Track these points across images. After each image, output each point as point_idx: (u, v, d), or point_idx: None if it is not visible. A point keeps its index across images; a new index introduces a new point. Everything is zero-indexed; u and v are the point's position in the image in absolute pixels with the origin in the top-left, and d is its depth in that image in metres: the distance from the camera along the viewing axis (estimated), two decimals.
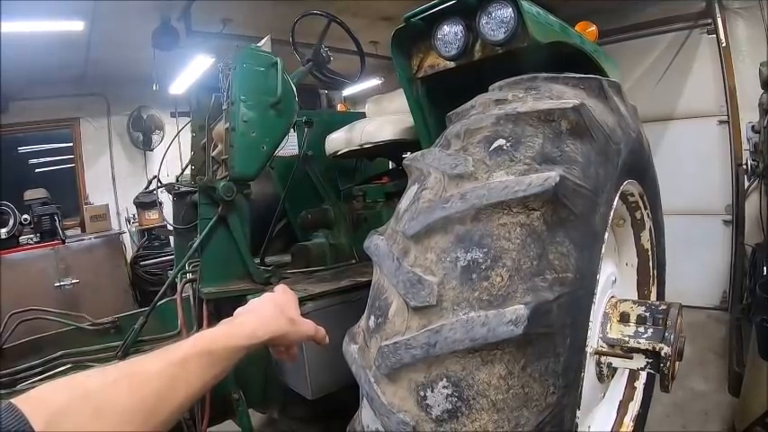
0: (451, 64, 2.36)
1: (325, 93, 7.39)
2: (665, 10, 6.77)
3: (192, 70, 7.76)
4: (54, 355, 2.92)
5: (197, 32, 6.81)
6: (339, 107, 6.66)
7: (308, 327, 1.37)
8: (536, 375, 1.36)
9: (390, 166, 4.35)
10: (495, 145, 1.64)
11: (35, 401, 0.72)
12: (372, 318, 1.61)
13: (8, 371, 2.80)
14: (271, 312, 1.27)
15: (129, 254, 8.68)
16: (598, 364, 2.19)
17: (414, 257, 1.54)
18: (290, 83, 3.07)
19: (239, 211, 2.98)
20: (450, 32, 2.26)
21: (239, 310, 1.29)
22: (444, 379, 1.36)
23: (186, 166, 3.84)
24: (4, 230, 6.82)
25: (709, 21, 6.45)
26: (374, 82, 9.42)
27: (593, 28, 2.81)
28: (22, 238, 7.10)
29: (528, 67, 2.09)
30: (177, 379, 0.92)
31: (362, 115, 4.26)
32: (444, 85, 2.52)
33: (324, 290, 2.78)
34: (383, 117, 3.52)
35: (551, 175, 1.47)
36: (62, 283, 6.86)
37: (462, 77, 2.39)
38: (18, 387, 2.61)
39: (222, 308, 2.92)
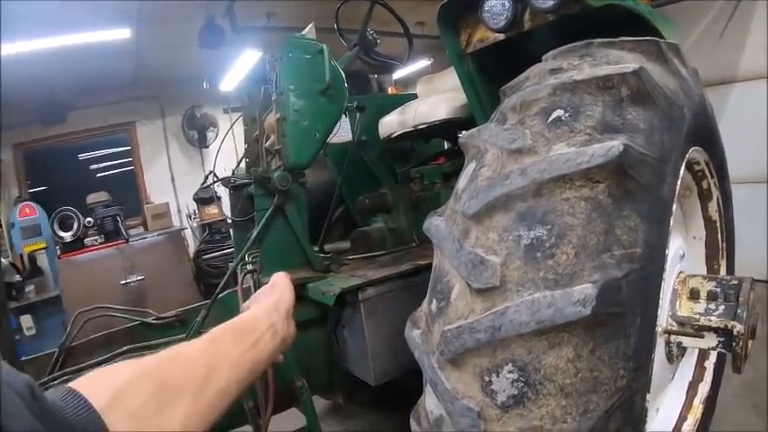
0: (501, 36, 2.29)
1: (375, 77, 7.35)
2: None
3: (241, 66, 7.82)
4: (120, 350, 2.99)
5: (242, 28, 6.84)
6: (390, 90, 6.60)
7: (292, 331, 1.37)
8: (605, 358, 1.30)
9: (446, 146, 4.27)
10: (553, 116, 1.57)
11: (96, 382, 0.75)
12: (434, 302, 1.57)
13: (75, 367, 2.89)
14: (288, 285, 1.41)
15: (192, 249, 8.85)
16: (667, 343, 2.09)
17: (475, 238, 1.49)
18: (338, 68, 3.04)
19: (296, 199, 2.98)
20: (498, 3, 2.19)
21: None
22: (510, 363, 1.32)
23: (241, 160, 3.85)
24: (68, 234, 7.05)
25: None
26: (424, 63, 9.35)
27: None
28: (87, 240, 7.30)
29: (580, 34, 1.99)
30: (216, 356, 0.97)
31: (414, 97, 4.18)
32: (495, 59, 2.45)
33: (384, 275, 2.74)
34: (435, 96, 3.45)
35: (614, 145, 1.39)
36: (128, 281, 7.00)
37: (514, 49, 2.32)
38: None
39: None
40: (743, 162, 5.49)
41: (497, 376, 1.33)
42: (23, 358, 5.11)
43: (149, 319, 3.28)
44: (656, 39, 1.99)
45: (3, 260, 2.47)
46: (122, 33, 6.60)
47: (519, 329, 1.30)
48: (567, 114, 1.56)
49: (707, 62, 5.88)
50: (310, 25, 3.24)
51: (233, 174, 3.95)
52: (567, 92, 1.61)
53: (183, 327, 3.15)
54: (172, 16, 6.55)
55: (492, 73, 2.50)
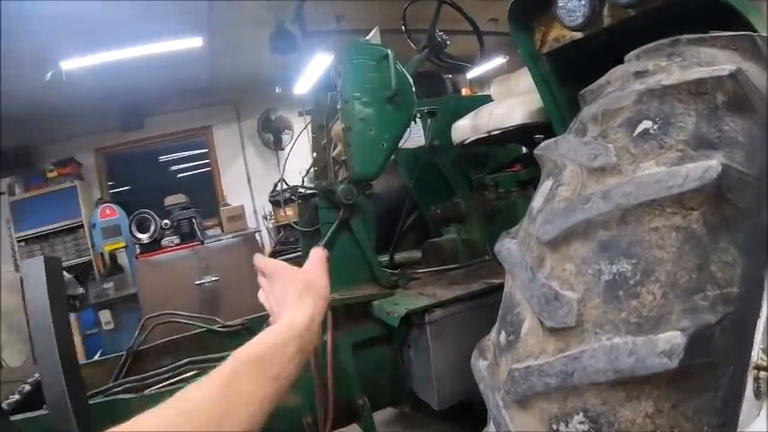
0: (578, 34, 2.10)
1: (450, 77, 7.19)
2: None
3: (313, 69, 7.81)
4: (180, 362, 3.03)
5: (312, 32, 6.77)
6: (464, 91, 6.43)
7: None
8: (689, 414, 1.13)
9: (523, 151, 4.06)
10: (639, 128, 1.38)
11: None
12: (503, 333, 1.42)
13: (137, 377, 2.94)
14: (324, 281, 1.21)
15: (268, 250, 8.88)
16: (756, 379, 1.85)
17: (550, 267, 1.33)
18: (405, 74, 2.91)
19: (362, 213, 2.88)
20: None
21: (293, 280, 1.19)
22: (581, 413, 1.17)
23: (310, 168, 3.77)
24: (145, 236, 7.17)
25: None
26: (499, 61, 9.09)
27: None
28: (164, 241, 7.42)
29: (664, 29, 1.77)
30: (230, 400, 0.86)
31: (488, 98, 4.01)
32: (573, 59, 2.25)
33: (454, 295, 2.59)
34: (511, 99, 3.25)
35: (712, 165, 1.20)
36: (202, 281, 7.06)
37: (593, 48, 2.12)
38: (146, 392, 2.68)
39: (349, 312, 2.83)
40: None
41: (566, 425, 1.19)
42: (93, 359, 5.30)
43: (215, 327, 3.37)
44: (751, 33, 1.75)
45: (66, 274, 2.50)
46: (194, 42, 6.72)
47: (594, 377, 1.15)
48: (655, 126, 1.37)
49: None
50: (375, 29, 3.12)
51: (302, 182, 3.87)
52: (654, 99, 1.42)
53: (250, 334, 3.03)
54: (241, 23, 6.64)
55: (570, 74, 2.32)
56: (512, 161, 3.72)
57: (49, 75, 6.37)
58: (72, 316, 7.30)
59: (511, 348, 1.36)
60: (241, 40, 7.18)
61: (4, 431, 1.94)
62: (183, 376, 2.92)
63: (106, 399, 2.64)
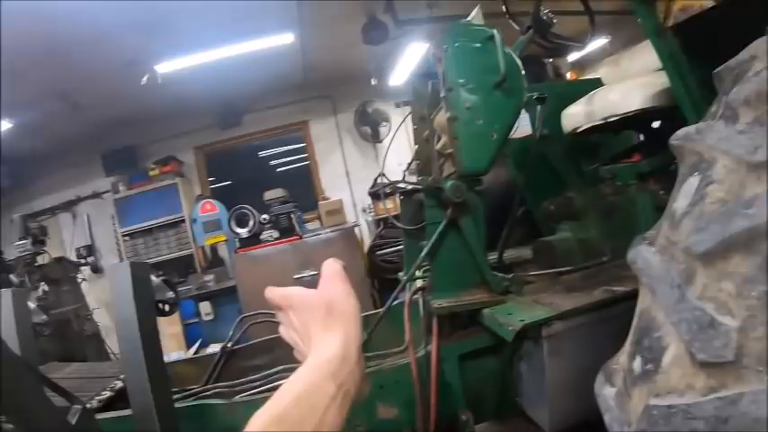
0: (709, 2, 1.83)
1: (550, 62, 6.86)
2: None
3: (408, 59, 7.70)
4: (274, 369, 2.97)
5: (404, 21, 6.66)
6: (569, 75, 6.11)
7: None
8: None
9: (640, 139, 3.73)
10: None
11: None
12: (639, 359, 1.22)
13: (227, 383, 2.94)
14: (352, 303, 1.00)
15: (367, 243, 8.86)
16: None
17: (702, 286, 1.10)
18: (514, 56, 2.63)
19: (472, 211, 2.63)
20: None
21: (312, 305, 1.02)
22: None
23: (412, 162, 3.60)
24: (244, 231, 7.34)
25: None
26: (600, 42, 8.62)
27: None
28: (263, 236, 7.54)
29: None
30: None
31: (598, 82, 3.69)
32: (704, 32, 1.98)
33: (575, 306, 2.32)
34: (626, 82, 2.94)
35: None
36: (301, 275, 7.10)
37: (722, 20, 1.85)
38: (236, 399, 2.65)
39: (456, 319, 2.65)
40: None
41: None
42: (188, 357, 5.44)
43: None
44: None
45: (155, 278, 2.55)
46: (286, 38, 6.82)
47: (754, 427, 0.94)
48: None
49: None
50: (476, 9, 2.89)
51: (403, 176, 3.71)
52: None
53: None
54: (332, 17, 6.64)
55: (701, 50, 2.03)
56: (628, 150, 3.41)
57: (145, 78, 6.65)
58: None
59: (648, 379, 1.16)
60: (333, 33, 7.19)
61: (90, 429, 1.88)
62: (276, 384, 2.78)
63: (193, 403, 2.63)
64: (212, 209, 8.45)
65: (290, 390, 0.84)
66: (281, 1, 5.87)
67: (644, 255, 1.32)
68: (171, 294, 2.94)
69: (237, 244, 7.63)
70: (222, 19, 5.80)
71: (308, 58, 7.95)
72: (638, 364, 1.21)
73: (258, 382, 2.91)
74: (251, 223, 7.35)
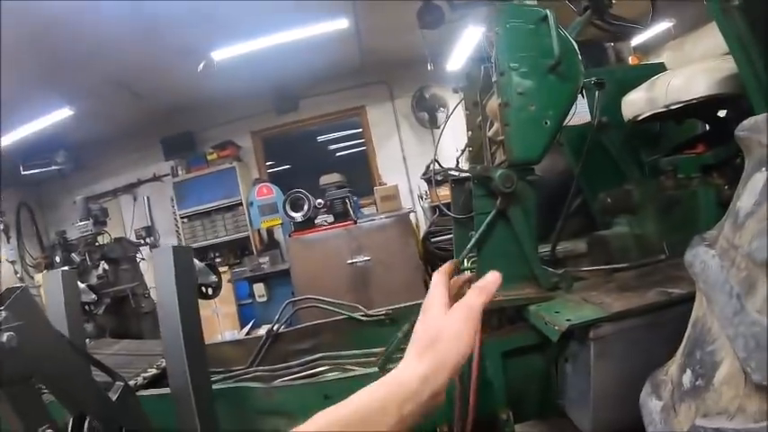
0: None
1: (612, 45, 6.64)
2: None
3: (465, 44, 7.62)
4: (314, 357, 3.02)
5: (459, 5, 6.51)
6: (631, 60, 5.89)
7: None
8: None
9: (704, 128, 3.53)
10: None
11: None
12: (689, 373, 1.12)
13: (267, 367, 3.02)
14: (461, 345, 0.91)
15: (423, 229, 8.78)
16: None
17: (763, 298, 0.97)
18: (569, 38, 2.51)
19: (522, 202, 2.52)
20: None
21: (421, 328, 0.96)
22: None
23: (465, 149, 3.51)
24: (299, 215, 7.35)
25: None
26: (663, 25, 8.30)
27: None
28: (318, 220, 7.62)
29: None
30: None
31: (662, 67, 3.48)
32: None
33: (626, 308, 2.17)
34: (690, 67, 2.75)
35: None
36: (354, 261, 7.18)
37: None
38: (275, 383, 2.66)
39: (502, 314, 2.59)
40: None
41: None
42: (235, 339, 5.59)
43: (358, 315, 3.31)
44: None
45: (198, 263, 2.62)
46: (341, 24, 6.85)
47: None
48: None
49: None
50: None
51: (457, 163, 3.61)
52: None
53: (393, 325, 3.09)
54: (387, 1, 6.62)
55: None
56: (692, 140, 3.22)
57: (201, 65, 6.78)
58: (229, 286, 8.19)
59: (697, 395, 1.07)
60: (388, 17, 7.16)
61: (131, 406, 2.00)
62: (315, 371, 2.89)
63: (232, 385, 2.69)
64: (268, 193, 8.61)
65: (356, 400, 0.84)
66: None
67: (702, 257, 1.20)
68: (214, 278, 3.00)
69: (292, 228, 7.67)
70: (277, 5, 5.84)
71: (364, 44, 7.98)
72: (687, 378, 1.13)
73: (296, 368, 2.95)
74: (305, 207, 7.36)
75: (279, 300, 7.08)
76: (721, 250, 1.16)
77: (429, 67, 7.76)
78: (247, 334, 7.20)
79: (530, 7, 2.53)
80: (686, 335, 1.20)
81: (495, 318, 2.62)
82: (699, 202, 2.73)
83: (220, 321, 8.33)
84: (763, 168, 1.14)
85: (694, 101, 2.53)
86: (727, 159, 2.62)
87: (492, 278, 1.03)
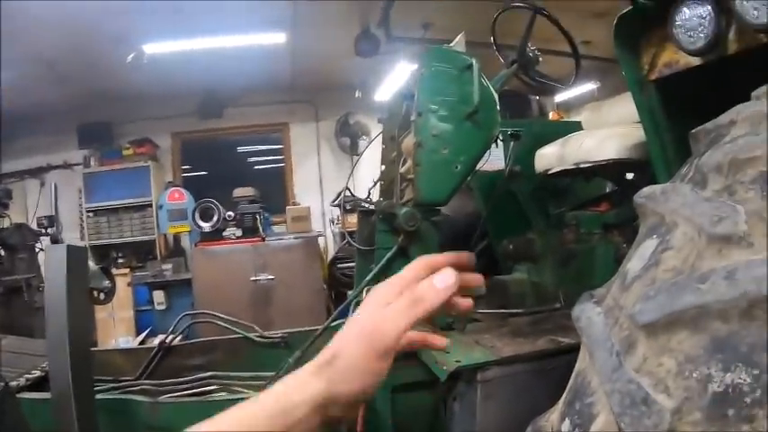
0: (696, 60, 1.77)
1: (537, 99, 6.90)
2: None
3: (395, 77, 7.78)
4: (203, 375, 2.96)
5: (397, 38, 6.74)
6: (552, 115, 6.15)
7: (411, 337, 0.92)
8: None
9: (609, 189, 3.70)
10: None
11: None
12: (567, 422, 1.14)
13: (154, 381, 2.91)
14: (356, 373, 0.82)
15: (332, 253, 8.90)
16: None
17: (642, 358, 1.01)
18: (491, 89, 2.58)
19: (424, 241, 2.54)
20: (694, 16, 1.68)
21: (335, 337, 0.87)
22: None
23: (377, 182, 3.53)
24: (208, 225, 7.25)
25: None
26: (588, 86, 8.74)
27: None
28: (226, 233, 7.49)
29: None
30: None
31: (578, 125, 3.72)
32: (685, 89, 1.93)
33: (515, 353, 2.24)
34: (605, 130, 2.92)
35: None
36: (258, 278, 7.13)
37: (704, 77, 1.82)
38: (160, 399, 2.61)
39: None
40: None
41: None
42: (127, 347, 5.42)
43: (253, 336, 3.26)
44: None
45: (92, 265, 2.55)
46: (278, 38, 6.87)
47: None
48: None
49: None
50: (460, 36, 2.83)
51: (368, 194, 3.64)
52: None
53: (288, 349, 3.05)
54: (327, 23, 6.73)
55: (682, 107, 1.99)
56: (596, 199, 3.38)
57: (131, 56, 6.64)
58: (129, 290, 8.04)
59: None
60: (325, 40, 7.23)
61: (10, 408, 1.94)
62: (203, 389, 2.86)
63: (117, 396, 2.60)
64: (180, 198, 8.46)
65: (239, 414, 0.80)
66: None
67: (588, 313, 1.25)
68: (107, 283, 2.90)
69: (199, 237, 7.57)
70: (217, 7, 5.79)
71: (298, 61, 7.99)
72: (566, 426, 1.13)
73: (185, 385, 2.88)
74: (215, 218, 7.28)
75: (178, 309, 6.93)
76: (607, 308, 1.20)
77: (357, 95, 7.87)
78: (142, 342, 7.11)
79: (458, 54, 2.59)
80: (569, 385, 1.23)
81: None
82: (597, 258, 2.87)
83: (116, 326, 8.07)
84: (655, 236, 1.19)
85: (603, 162, 2.68)
86: (627, 220, 2.75)
87: (445, 277, 0.92)
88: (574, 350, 1.29)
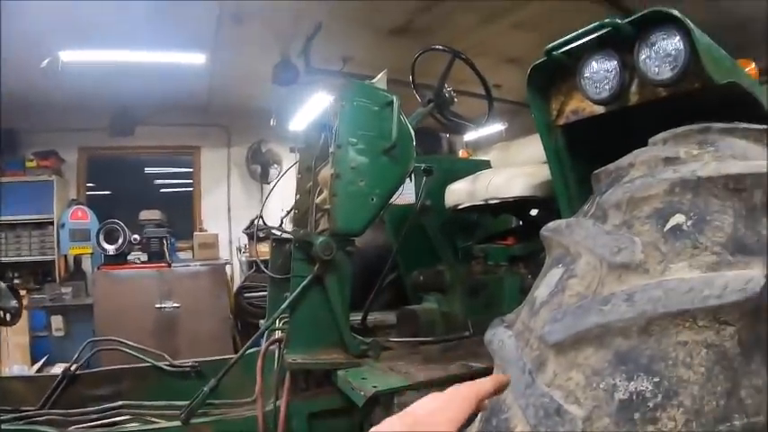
0: (600, 109, 1.94)
1: (447, 136, 7.10)
2: None
3: (311, 108, 7.75)
4: (113, 404, 2.87)
5: (316, 70, 6.80)
6: (461, 153, 6.35)
7: None
8: None
9: (515, 224, 3.89)
10: (671, 223, 1.23)
11: None
12: None
13: (62, 411, 2.77)
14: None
15: (238, 283, 8.69)
16: None
17: (553, 374, 1.14)
18: (408, 125, 2.69)
19: (339, 271, 2.59)
20: (601, 69, 1.85)
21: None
22: None
23: (291, 210, 3.57)
24: (112, 247, 6.97)
25: None
26: (497, 127, 9.07)
27: (754, 66, 2.36)
28: (131, 257, 7.23)
29: (688, 113, 1.67)
30: None
31: (487, 163, 3.90)
32: (590, 134, 2.09)
33: (429, 378, 2.33)
34: (512, 169, 3.10)
35: (754, 276, 1.07)
36: (163, 305, 6.91)
37: (607, 124, 1.99)
38: (69, 430, 2.54)
39: (309, 376, 2.64)
40: None
41: None
42: (28, 375, 5.10)
43: (162, 364, 3.17)
44: None
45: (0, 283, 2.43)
46: (198, 58, 6.65)
47: None
48: (689, 222, 1.22)
49: None
50: (382, 73, 2.92)
51: (281, 223, 3.66)
52: (688, 191, 1.28)
53: (199, 379, 3.02)
54: (247, 49, 6.61)
55: (583, 150, 2.15)
56: (503, 233, 3.55)
57: (46, 62, 6.16)
58: (25, 314, 6.89)
59: None
60: (244, 65, 7.14)
61: None
62: (114, 419, 2.76)
63: (23, 427, 2.48)
64: (83, 217, 7.87)
65: None
66: (201, 20, 5.77)
67: (500, 337, 1.35)
68: (14, 303, 2.76)
69: (102, 260, 7.23)
70: (138, 20, 5.54)
71: (215, 84, 7.85)
72: None
73: (95, 415, 2.79)
74: (120, 240, 7.01)
75: (77, 336, 6.56)
76: (518, 332, 1.31)
77: (272, 122, 7.81)
78: (39, 370, 6.63)
79: (379, 90, 2.67)
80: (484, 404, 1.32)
81: (302, 380, 2.66)
82: (504, 288, 3.01)
83: (10, 352, 7.38)
84: (560, 265, 1.32)
85: (511, 199, 2.83)
86: (532, 253, 2.92)
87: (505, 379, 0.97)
88: (486, 374, 1.34)
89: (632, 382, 1.03)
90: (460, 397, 0.89)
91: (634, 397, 1.02)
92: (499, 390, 0.95)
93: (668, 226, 1.21)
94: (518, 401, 1.15)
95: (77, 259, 8.24)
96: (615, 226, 1.29)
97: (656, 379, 1.02)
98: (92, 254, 7.79)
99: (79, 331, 6.99)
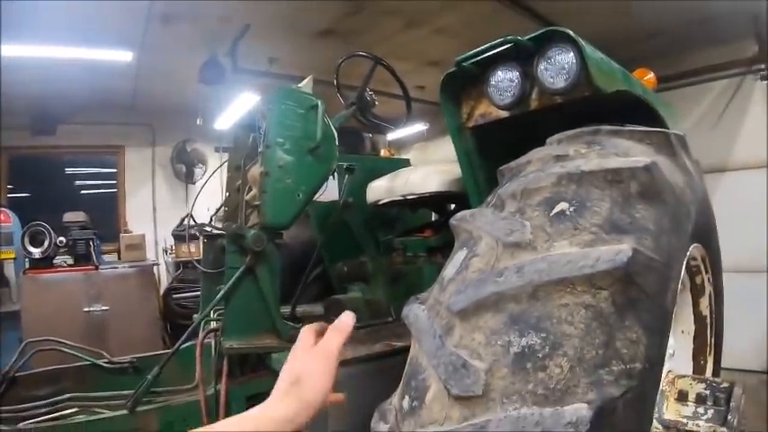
0: (505, 113, 2.16)
1: (370, 136, 7.26)
2: (716, 55, 6.55)
3: (237, 107, 7.78)
4: (61, 397, 2.91)
5: (243, 70, 6.83)
6: (383, 152, 6.53)
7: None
8: None
9: (433, 218, 4.12)
10: (556, 209, 1.45)
11: None
12: (407, 398, 1.40)
13: (11, 407, 2.79)
14: (319, 385, 1.09)
15: (165, 284, 8.65)
16: None
17: (459, 337, 1.34)
18: (332, 127, 2.89)
19: (269, 261, 2.76)
20: (505, 79, 2.07)
21: (286, 369, 1.12)
22: None
23: (220, 207, 3.68)
24: (38, 251, 6.81)
25: (763, 66, 6.21)
26: (419, 127, 9.31)
27: (652, 75, 2.65)
28: (57, 260, 7.11)
29: (586, 118, 1.91)
30: None
31: (407, 162, 4.12)
32: (496, 136, 2.32)
33: (355, 355, 2.52)
34: (429, 167, 3.33)
35: (623, 249, 1.29)
36: (91, 309, 6.83)
37: (515, 127, 2.20)
38: (21, 425, 2.52)
39: (245, 362, 2.78)
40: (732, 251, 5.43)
41: None
42: None
43: (101, 362, 3.22)
44: (665, 130, 1.90)
45: None
46: (124, 56, 6.57)
47: None
48: (571, 208, 1.44)
49: (699, 151, 5.88)
50: (308, 78, 3.09)
51: (211, 221, 3.78)
52: (572, 183, 1.50)
53: (138, 374, 3.06)
54: (175, 47, 6.58)
55: (491, 150, 2.38)
56: (421, 226, 3.79)
57: None
58: None
59: (414, 414, 1.35)
60: (171, 63, 7.11)
61: None
62: (63, 413, 2.79)
63: None
64: (5, 220, 7.44)
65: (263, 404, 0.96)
66: (129, 18, 5.73)
67: (415, 311, 1.55)
68: None
69: (27, 264, 7.02)
70: (62, 15, 5.47)
71: (141, 83, 7.75)
72: (406, 402, 1.39)
73: (44, 410, 2.83)
74: (46, 243, 6.83)
75: (5, 347, 6.23)
76: (429, 306, 1.51)
77: (198, 122, 7.77)
78: None
79: (305, 94, 2.85)
80: (405, 371, 1.50)
81: (239, 365, 2.80)
82: (422, 276, 3.25)
83: None
84: (465, 248, 1.54)
85: (427, 194, 3.07)
86: (448, 243, 3.09)
87: (346, 319, 1.21)
88: (407, 351, 1.55)
89: (524, 338, 1.23)
90: (327, 356, 1.14)
91: (526, 350, 1.22)
92: (343, 332, 1.21)
93: (554, 212, 1.43)
94: (431, 362, 1.34)
95: None
96: (510, 213, 1.51)
97: (544, 335, 1.22)
98: (15, 259, 7.42)
99: (6, 340, 6.67)
